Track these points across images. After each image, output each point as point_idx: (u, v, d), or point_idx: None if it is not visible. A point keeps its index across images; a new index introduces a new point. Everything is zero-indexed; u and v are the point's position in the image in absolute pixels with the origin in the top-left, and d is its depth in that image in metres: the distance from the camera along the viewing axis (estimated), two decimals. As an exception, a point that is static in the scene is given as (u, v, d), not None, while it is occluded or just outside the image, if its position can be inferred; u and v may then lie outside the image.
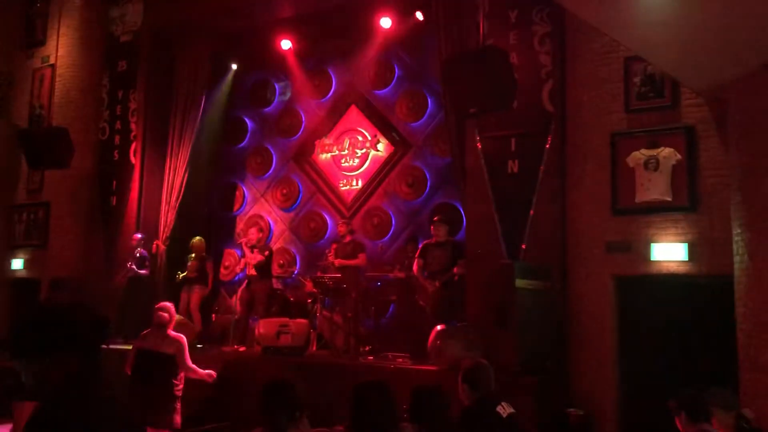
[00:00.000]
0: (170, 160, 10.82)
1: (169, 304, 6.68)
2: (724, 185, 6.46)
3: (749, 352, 5.82)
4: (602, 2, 4.70)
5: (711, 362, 6.44)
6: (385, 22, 10.07)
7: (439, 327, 7.20)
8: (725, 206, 6.30)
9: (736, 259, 6.01)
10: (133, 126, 10.83)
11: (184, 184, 10.71)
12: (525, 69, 7.62)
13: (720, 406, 4.02)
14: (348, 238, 9.10)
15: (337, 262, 8.89)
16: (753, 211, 5.86)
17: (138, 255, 9.91)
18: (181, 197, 10.69)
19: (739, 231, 6.00)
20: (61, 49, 11.07)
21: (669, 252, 6.86)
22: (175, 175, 10.76)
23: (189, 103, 10.88)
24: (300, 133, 11.57)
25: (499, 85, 6.34)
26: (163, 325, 6.44)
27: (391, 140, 10.76)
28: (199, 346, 9.41)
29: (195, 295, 9.91)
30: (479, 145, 7.98)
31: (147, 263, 10.01)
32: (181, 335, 6.55)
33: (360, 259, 8.89)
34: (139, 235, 10.11)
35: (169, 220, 10.67)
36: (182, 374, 6.40)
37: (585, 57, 7.57)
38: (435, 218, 8.67)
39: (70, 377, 1.67)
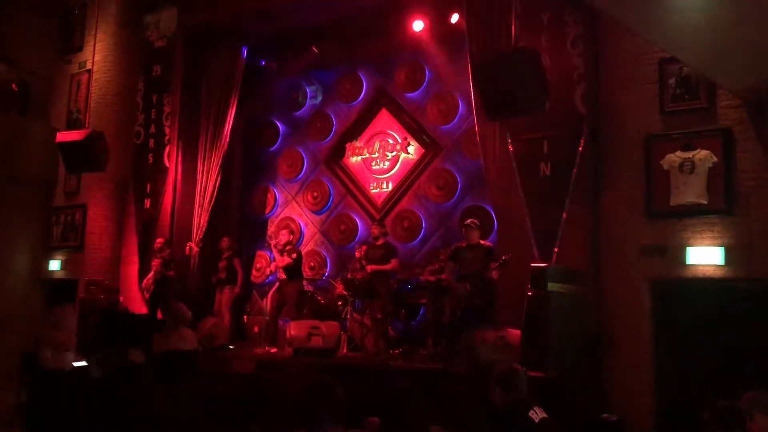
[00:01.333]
0: (203, 163, 10.96)
1: (182, 305, 6.93)
2: (763, 187, 6.35)
3: (789, 358, 5.70)
4: (636, 2, 4.64)
5: (750, 368, 6.31)
6: (417, 25, 10.07)
7: (470, 330, 7.16)
8: (763, 209, 6.19)
9: (775, 263, 5.89)
10: (167, 130, 10.99)
11: (216, 187, 10.84)
12: (557, 71, 7.54)
13: (762, 410, 3.93)
14: (381, 241, 9.11)
15: (369, 268, 8.86)
16: (793, 215, 5.74)
17: (161, 258, 10.06)
18: (213, 200, 10.82)
19: (778, 235, 5.89)
20: (97, 54, 11.29)
21: (705, 256, 6.75)
22: (208, 178, 10.89)
23: (221, 106, 11.01)
24: (331, 136, 11.64)
25: (531, 88, 6.29)
26: (181, 323, 6.70)
27: (422, 143, 10.77)
28: (231, 346, 9.53)
29: (225, 295, 10.03)
30: (511, 148, 7.93)
31: (172, 265, 10.14)
32: (194, 333, 6.87)
33: (392, 264, 8.86)
34: (161, 239, 10.27)
35: (202, 222, 10.80)
36: None
37: (618, 59, 7.48)
38: (467, 221, 8.64)
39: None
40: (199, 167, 10.98)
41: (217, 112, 10.98)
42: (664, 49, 6.55)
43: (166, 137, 11.01)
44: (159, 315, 9.49)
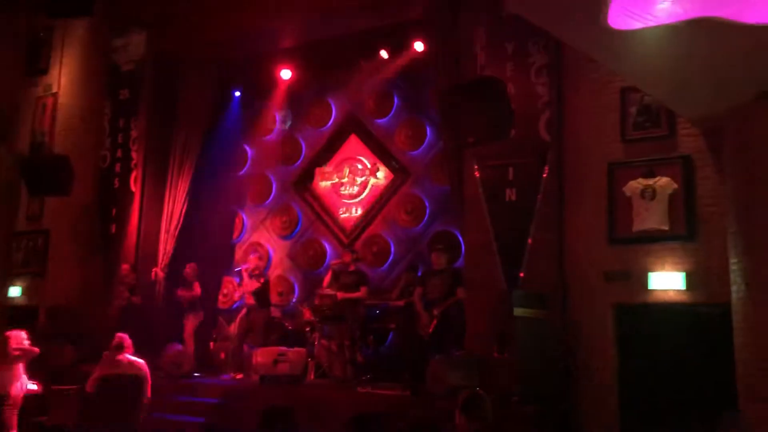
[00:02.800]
0: (170, 188, 10.88)
1: (124, 335, 7.17)
2: (721, 214, 6.49)
3: (748, 381, 5.80)
4: (598, 33, 4.78)
5: (711, 391, 6.41)
6: (385, 53, 10.20)
7: (437, 356, 7.17)
8: (722, 235, 6.32)
9: (734, 288, 6.01)
10: (134, 154, 10.89)
11: (183, 212, 10.77)
12: (522, 99, 7.70)
13: (735, 429, 4.04)
14: (352, 267, 9.12)
15: (340, 294, 8.86)
16: (750, 241, 5.88)
17: (127, 284, 9.93)
18: (180, 225, 10.73)
19: (736, 260, 6.02)
20: (63, 77, 11.18)
21: (667, 281, 6.88)
22: (175, 203, 10.82)
23: (190, 131, 10.98)
24: (300, 161, 11.65)
25: (496, 116, 6.40)
26: (121, 350, 6.91)
27: (391, 168, 10.83)
28: (196, 374, 9.38)
29: (190, 322, 9.91)
30: (477, 174, 8.04)
31: (137, 291, 10.00)
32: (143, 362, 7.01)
33: (362, 292, 8.89)
34: (127, 265, 10.14)
35: (168, 247, 10.70)
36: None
37: (582, 87, 7.66)
38: (436, 246, 8.69)
39: None
40: (167, 192, 10.89)
41: (186, 137, 10.95)
42: (626, 79, 6.73)
43: (133, 162, 10.91)
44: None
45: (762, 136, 5.81)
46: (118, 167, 11.01)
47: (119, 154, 11.06)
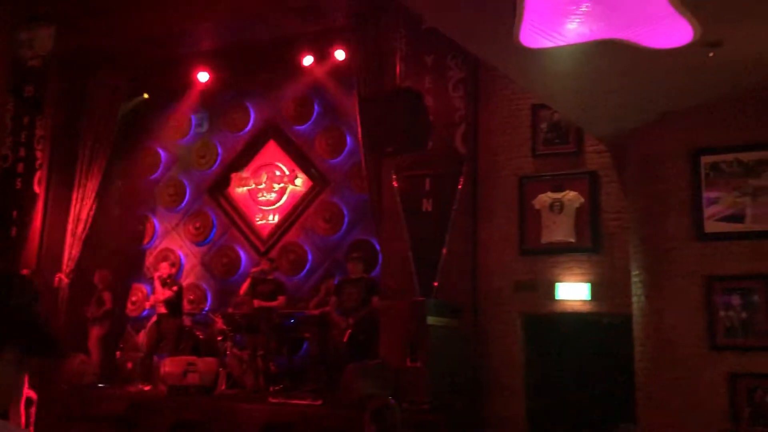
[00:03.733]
0: (78, 190, 10.46)
1: None
2: (624, 228, 6.82)
3: (646, 389, 6.09)
4: (510, 51, 4.92)
5: (612, 398, 6.69)
6: (306, 60, 10.15)
7: (351, 364, 7.15)
8: (625, 248, 6.63)
9: (635, 299, 6.31)
10: (38, 154, 10.38)
11: (91, 216, 10.36)
12: (439, 111, 7.84)
13: None
14: (270, 276, 9.01)
15: (256, 303, 8.74)
16: (650, 254, 6.20)
17: None
18: (88, 229, 10.31)
19: (637, 272, 6.32)
20: (-39, 70, 10.56)
21: (573, 291, 7.14)
22: (83, 206, 10.41)
23: (100, 131, 10.59)
24: (216, 165, 11.39)
25: (413, 127, 6.51)
26: None
27: (310, 176, 10.76)
28: (100, 385, 9.01)
29: (95, 330, 9.51)
30: (395, 184, 8.11)
31: (38, 297, 9.51)
32: None
33: (279, 301, 8.82)
34: (26, 271, 9.64)
35: (74, 252, 10.25)
36: None
37: (496, 102, 7.88)
38: (352, 255, 8.70)
39: None
40: (74, 194, 10.47)
41: (95, 137, 10.55)
42: (536, 96, 6.96)
43: (38, 162, 10.40)
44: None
45: (662, 154, 6.15)
46: (20, 167, 10.47)
47: (22, 153, 10.52)
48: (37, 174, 10.33)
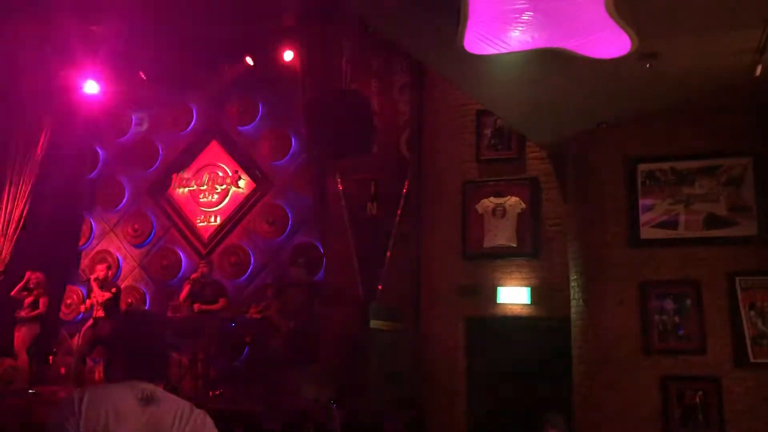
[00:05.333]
0: (9, 189, 10.05)
1: None
2: (563, 234, 6.96)
3: (582, 390, 6.23)
4: (454, 59, 4.96)
5: (550, 398, 6.80)
6: (252, 60, 10.00)
7: (293, 369, 7.08)
8: (564, 253, 6.77)
9: (573, 303, 6.46)
10: (-33, 150, 9.95)
11: (24, 215, 9.97)
12: (385, 116, 7.86)
13: (554, 427, 4.47)
14: (209, 279, 8.85)
15: (197, 306, 8.57)
16: (587, 259, 6.35)
17: None
18: (20, 229, 9.92)
19: (575, 277, 6.47)
20: None
21: (514, 295, 7.25)
22: (15, 206, 10.01)
23: (33, 126, 10.20)
24: (156, 165, 11.11)
25: (359, 130, 6.51)
26: None
27: (253, 177, 10.61)
28: (30, 391, 8.65)
29: (23, 333, 9.13)
30: (340, 187, 8.09)
31: None
32: None
33: (221, 304, 8.67)
34: None
35: (4, 253, 9.86)
36: None
37: (441, 108, 7.94)
38: (296, 260, 8.62)
39: None
40: (5, 193, 10.05)
41: (28, 133, 10.15)
42: (480, 102, 7.04)
43: (-34, 159, 9.97)
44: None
45: (598, 162, 6.31)
46: (-53, 163, 10.01)
47: (-51, 149, 10.07)
48: (-34, 172, 9.90)
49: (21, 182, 10.07)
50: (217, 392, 8.27)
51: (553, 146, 6.99)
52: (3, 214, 10.00)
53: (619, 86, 5.44)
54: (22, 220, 10.00)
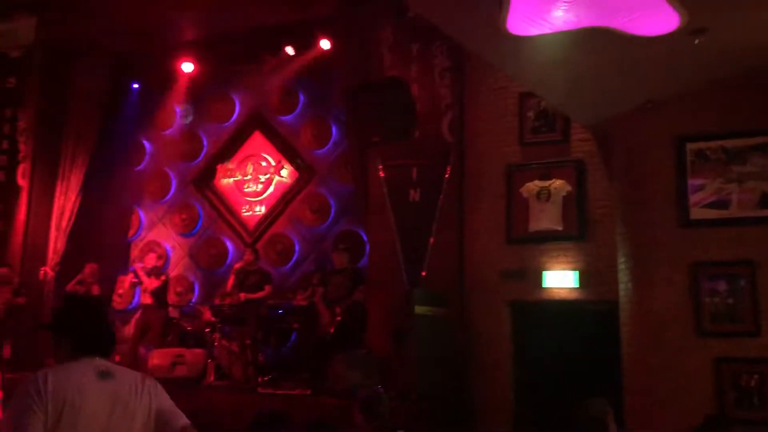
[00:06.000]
0: (62, 183, 10.38)
1: None
2: (610, 216, 6.84)
3: (632, 375, 6.14)
4: (498, 40, 4.91)
5: (599, 384, 6.72)
6: (291, 50, 10.07)
7: (339, 355, 7.16)
8: (612, 236, 6.66)
9: (621, 286, 6.35)
10: (21, 146, 10.28)
11: (76, 208, 10.27)
12: (426, 101, 7.82)
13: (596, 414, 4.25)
14: (255, 267, 8.98)
15: (243, 295, 8.72)
16: (635, 241, 6.23)
17: (9, 285, 9.33)
18: (73, 221, 10.23)
19: (623, 260, 6.36)
20: (-59, 62, 10.41)
21: (560, 279, 7.17)
22: (67, 199, 10.33)
23: (84, 123, 10.49)
24: (201, 157, 11.31)
25: (400, 116, 6.50)
26: None
27: (296, 166, 10.70)
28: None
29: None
30: (382, 174, 8.09)
31: (23, 291, 9.42)
32: None
33: (266, 291, 8.79)
34: (4, 269, 9.51)
35: (59, 245, 10.18)
36: None
37: (483, 91, 7.86)
38: (338, 246, 8.68)
39: None
40: (58, 187, 10.38)
41: (79, 129, 10.46)
42: (522, 83, 6.95)
43: (21, 154, 10.30)
44: (7, 352, 8.81)
45: (645, 142, 6.18)
46: (4, 160, 10.38)
47: (5, 145, 10.45)
48: (21, 166, 10.24)
49: (72, 176, 10.37)
50: (266, 378, 8.41)
51: (598, 126, 6.86)
52: (57, 208, 10.32)
53: (666, 63, 5.31)
54: (75, 213, 10.29)
